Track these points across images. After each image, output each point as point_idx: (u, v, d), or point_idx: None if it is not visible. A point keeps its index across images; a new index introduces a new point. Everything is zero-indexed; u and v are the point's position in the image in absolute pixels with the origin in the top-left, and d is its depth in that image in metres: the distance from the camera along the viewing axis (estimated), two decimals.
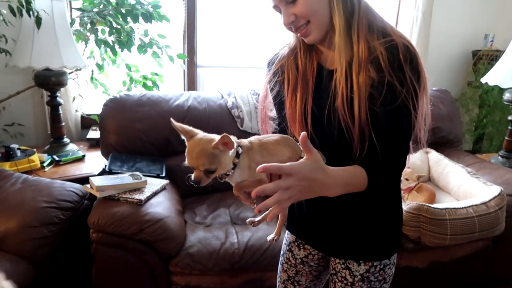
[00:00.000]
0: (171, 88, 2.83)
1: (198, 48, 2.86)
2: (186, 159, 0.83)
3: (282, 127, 1.06)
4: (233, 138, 0.85)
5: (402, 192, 2.24)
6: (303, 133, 0.79)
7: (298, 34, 0.95)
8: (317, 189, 0.80)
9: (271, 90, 1.07)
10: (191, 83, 2.89)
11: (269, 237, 1.14)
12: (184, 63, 2.79)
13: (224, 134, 0.81)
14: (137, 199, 1.67)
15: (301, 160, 0.78)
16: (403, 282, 2.01)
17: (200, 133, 0.87)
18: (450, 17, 3.06)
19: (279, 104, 1.06)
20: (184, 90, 2.89)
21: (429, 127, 0.97)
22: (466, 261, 2.04)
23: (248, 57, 2.93)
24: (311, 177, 0.77)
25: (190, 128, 0.88)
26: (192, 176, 0.83)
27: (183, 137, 0.87)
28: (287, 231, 1.22)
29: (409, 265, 1.96)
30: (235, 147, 0.84)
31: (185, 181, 2.29)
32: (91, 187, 1.70)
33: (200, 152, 0.82)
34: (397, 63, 0.87)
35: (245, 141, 0.91)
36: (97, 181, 1.68)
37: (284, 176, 0.75)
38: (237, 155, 0.86)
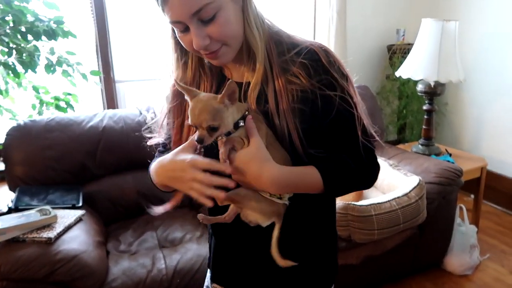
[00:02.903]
0: (89, 108, 2.66)
1: (114, 63, 2.71)
2: (189, 118, 0.79)
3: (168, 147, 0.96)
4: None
5: None
6: (249, 116, 0.79)
7: (205, 57, 0.85)
8: (254, 181, 0.79)
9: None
10: (111, 101, 2.73)
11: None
12: (100, 80, 2.63)
13: (230, 80, 0.77)
14: (45, 237, 1.52)
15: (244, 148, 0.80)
16: (340, 281, 2.02)
17: (204, 93, 0.84)
18: (364, 14, 3.17)
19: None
20: (104, 109, 2.72)
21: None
22: (398, 251, 2.11)
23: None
24: (244, 169, 0.78)
25: (193, 88, 0.84)
26: (195, 135, 0.79)
27: (186, 97, 0.82)
28: (209, 284, 1.08)
29: (344, 263, 1.97)
30: (245, 108, 0.82)
31: (107, 207, 2.13)
32: None
33: (203, 108, 0.77)
34: (322, 69, 0.83)
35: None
36: None
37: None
38: (242, 117, 0.81)
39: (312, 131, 0.84)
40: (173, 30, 0.86)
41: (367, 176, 0.90)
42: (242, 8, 0.83)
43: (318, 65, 0.83)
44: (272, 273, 0.93)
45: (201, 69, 0.91)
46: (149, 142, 0.98)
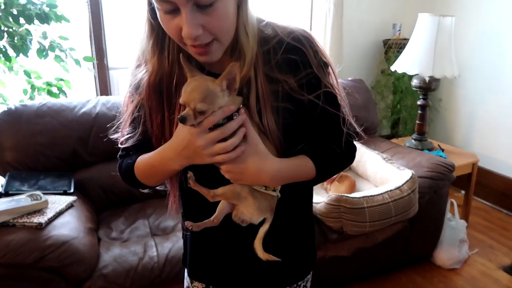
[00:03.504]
0: (82, 94, 2.62)
1: (108, 49, 2.67)
2: (181, 94, 0.74)
3: (141, 143, 0.89)
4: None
5: (325, 183, 2.28)
6: (242, 110, 0.75)
7: (191, 50, 0.76)
8: (253, 177, 0.78)
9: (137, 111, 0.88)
10: (104, 88, 2.70)
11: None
12: (93, 67, 2.59)
13: (232, 63, 0.72)
14: (36, 222, 1.50)
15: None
16: (331, 273, 2.04)
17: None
18: (360, 8, 3.16)
19: (144, 122, 0.88)
20: (97, 96, 2.69)
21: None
22: (388, 244, 2.12)
23: None
24: (242, 165, 0.76)
25: (196, 69, 0.78)
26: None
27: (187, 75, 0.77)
28: (188, 281, 1.03)
29: (335, 255, 1.99)
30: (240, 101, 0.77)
31: (98, 194, 2.10)
32: None
33: (196, 87, 0.72)
34: (307, 64, 0.82)
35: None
36: None
37: None
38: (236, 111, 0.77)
39: (296, 125, 0.85)
40: (150, 13, 0.77)
41: (349, 159, 0.93)
42: (238, 2, 0.76)
43: (303, 60, 0.82)
44: (254, 265, 0.91)
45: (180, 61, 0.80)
46: (122, 144, 0.90)
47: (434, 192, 2.18)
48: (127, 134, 0.89)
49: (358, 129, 0.91)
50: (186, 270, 1.04)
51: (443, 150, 2.65)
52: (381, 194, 1.93)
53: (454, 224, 2.34)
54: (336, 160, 0.89)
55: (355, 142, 0.93)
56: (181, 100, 0.74)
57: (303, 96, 0.82)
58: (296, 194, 0.92)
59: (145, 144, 0.87)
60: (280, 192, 0.85)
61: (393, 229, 2.09)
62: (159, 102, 0.83)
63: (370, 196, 1.91)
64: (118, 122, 0.92)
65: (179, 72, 0.80)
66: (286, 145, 0.83)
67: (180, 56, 0.77)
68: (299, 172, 0.85)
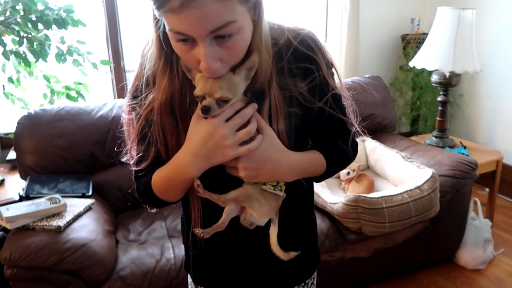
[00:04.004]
0: (99, 98, 2.66)
1: (124, 52, 2.70)
2: (198, 87, 0.72)
3: (155, 162, 0.83)
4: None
5: (343, 183, 2.25)
6: (254, 104, 0.75)
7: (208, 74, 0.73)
8: (271, 171, 0.77)
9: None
10: (121, 90, 2.73)
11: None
12: (110, 70, 2.63)
13: (254, 52, 0.73)
14: (55, 225, 1.52)
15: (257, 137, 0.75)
16: (350, 274, 2.01)
17: None
18: (377, 2, 3.10)
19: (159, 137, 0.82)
20: (114, 98, 2.73)
21: (357, 116, 0.93)
22: (409, 244, 2.07)
23: None
24: (264, 157, 0.75)
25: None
26: (200, 106, 0.72)
27: (193, 73, 0.75)
28: (193, 287, 1.01)
29: (354, 256, 1.96)
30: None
31: (116, 196, 2.12)
32: (0, 218, 1.54)
33: (219, 77, 0.71)
34: (316, 69, 0.81)
35: None
36: (7, 211, 1.52)
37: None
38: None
39: (304, 128, 0.85)
40: (157, 31, 0.73)
41: (353, 156, 0.95)
42: (254, 23, 0.73)
43: (317, 67, 0.82)
44: (262, 267, 0.90)
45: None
46: (135, 166, 0.85)
47: (456, 191, 2.11)
48: (137, 155, 0.84)
49: (358, 129, 0.91)
50: (189, 276, 1.02)
51: (465, 147, 2.57)
52: (400, 194, 1.89)
53: (478, 224, 2.27)
54: (344, 157, 0.91)
55: (372, 141, 0.93)
56: (200, 92, 0.71)
57: (314, 104, 0.82)
58: (300, 192, 0.91)
59: (159, 162, 0.83)
60: (284, 191, 0.84)
61: (413, 229, 2.05)
62: (173, 123, 0.80)
63: (389, 196, 1.86)
64: (126, 148, 0.87)
65: (191, 89, 0.77)
66: (294, 147, 0.82)
67: (181, 61, 0.74)
68: (312, 166, 0.86)
